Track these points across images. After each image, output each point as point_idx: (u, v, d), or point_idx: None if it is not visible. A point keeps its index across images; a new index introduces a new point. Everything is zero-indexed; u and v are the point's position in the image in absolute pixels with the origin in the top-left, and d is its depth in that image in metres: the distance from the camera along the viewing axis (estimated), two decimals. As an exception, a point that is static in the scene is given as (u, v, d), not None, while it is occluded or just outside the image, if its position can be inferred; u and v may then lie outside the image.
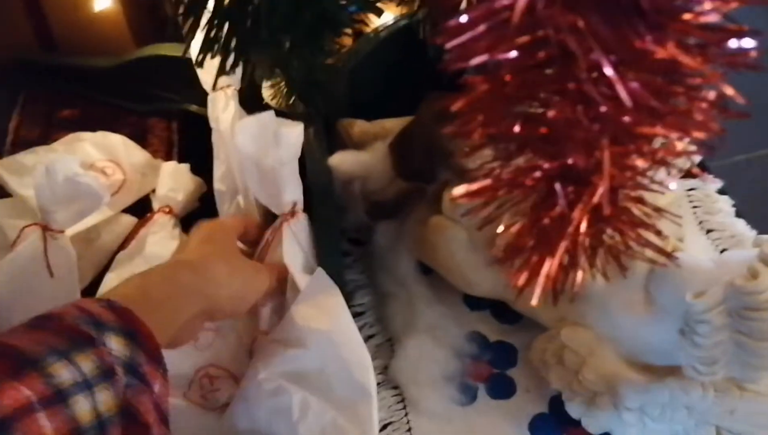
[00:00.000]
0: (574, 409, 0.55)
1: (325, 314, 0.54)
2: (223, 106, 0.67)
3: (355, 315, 0.63)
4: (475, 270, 0.59)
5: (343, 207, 0.64)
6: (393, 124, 0.67)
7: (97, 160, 0.71)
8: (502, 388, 0.59)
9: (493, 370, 0.61)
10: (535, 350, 0.58)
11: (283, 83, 0.70)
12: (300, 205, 0.59)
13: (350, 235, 0.68)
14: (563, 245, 0.21)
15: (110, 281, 0.64)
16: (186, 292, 0.47)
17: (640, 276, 0.52)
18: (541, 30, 0.18)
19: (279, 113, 0.69)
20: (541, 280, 0.22)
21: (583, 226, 0.21)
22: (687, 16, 0.18)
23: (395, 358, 0.60)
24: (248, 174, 0.60)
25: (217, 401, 0.57)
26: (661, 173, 0.21)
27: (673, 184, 0.66)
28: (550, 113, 0.19)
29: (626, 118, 0.19)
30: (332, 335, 0.53)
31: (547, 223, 0.21)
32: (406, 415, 0.58)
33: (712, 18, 0.18)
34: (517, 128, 0.21)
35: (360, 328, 0.62)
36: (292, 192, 0.59)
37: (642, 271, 0.52)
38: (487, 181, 0.22)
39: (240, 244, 0.60)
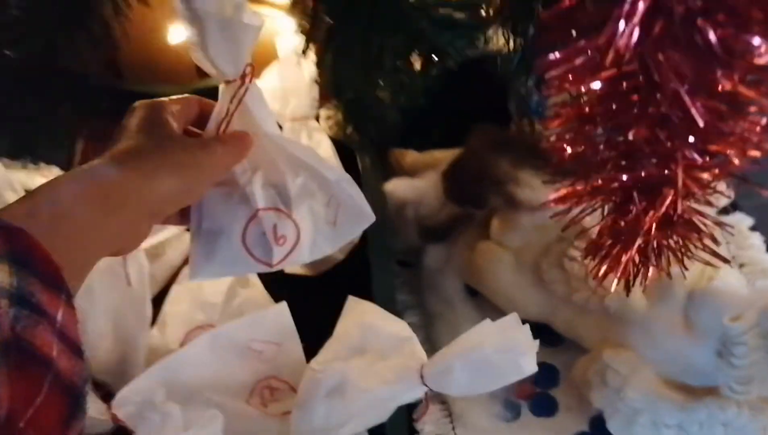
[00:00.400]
0: (615, 426, 0.58)
1: None
2: (309, 136, 0.71)
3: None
4: (521, 292, 0.63)
5: (396, 230, 0.68)
6: (443, 155, 0.71)
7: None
8: (545, 407, 0.62)
9: (536, 389, 0.64)
10: (577, 370, 0.61)
11: (339, 114, 0.75)
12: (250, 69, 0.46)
13: (400, 258, 0.72)
14: (636, 244, 0.25)
15: (175, 293, 0.68)
16: (109, 194, 0.39)
17: (680, 300, 0.55)
18: (629, 65, 0.23)
19: (336, 142, 0.75)
20: (617, 272, 0.26)
21: (653, 230, 0.25)
22: (749, 58, 0.22)
23: (443, 374, 0.63)
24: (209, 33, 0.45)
25: (278, 409, 0.61)
26: (720, 186, 0.25)
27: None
28: (631, 133, 0.24)
29: (696, 138, 0.23)
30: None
31: (623, 226, 0.25)
32: (453, 429, 0.61)
33: (770, 59, 0.22)
34: (601, 146, 0.25)
35: (408, 346, 0.66)
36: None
37: (682, 296, 0.55)
38: (574, 188, 0.26)
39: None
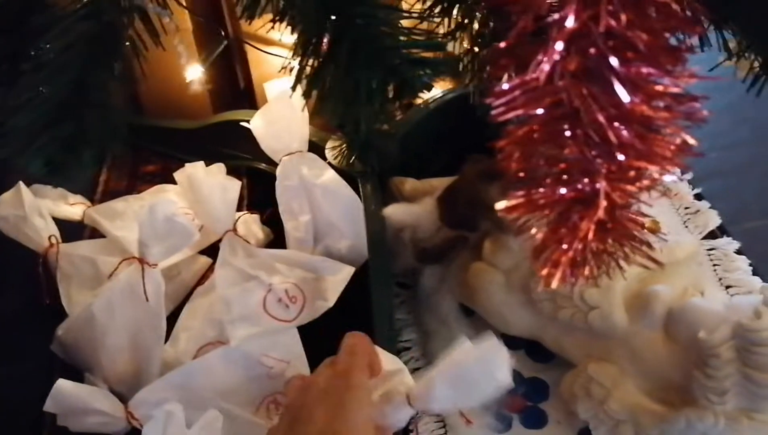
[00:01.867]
0: (599, 437, 0.61)
1: None
2: (309, 167, 0.77)
3: (402, 350, 0.71)
4: (512, 311, 0.67)
5: (394, 253, 0.72)
6: (439, 183, 0.76)
7: (179, 208, 0.82)
8: (535, 419, 0.66)
9: (527, 403, 0.67)
10: (564, 383, 0.64)
11: (344, 146, 0.80)
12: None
13: (399, 280, 0.76)
14: (575, 248, 0.29)
15: (187, 311, 0.73)
16: None
17: (659, 317, 0.59)
18: (559, 94, 0.27)
19: (339, 171, 0.80)
20: (558, 272, 0.30)
21: (590, 235, 0.29)
22: (658, 87, 0.26)
23: (438, 388, 0.67)
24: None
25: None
26: (646, 196, 0.29)
27: (693, 239, 0.72)
28: (566, 151, 0.28)
29: (619, 156, 0.27)
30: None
31: (564, 232, 0.29)
32: (447, 439, 0.65)
33: (675, 89, 0.26)
34: (542, 163, 0.29)
35: (407, 362, 0.70)
36: None
37: (661, 313, 0.59)
38: (523, 200, 0.30)
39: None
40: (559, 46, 0.25)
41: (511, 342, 0.71)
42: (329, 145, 0.81)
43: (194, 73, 0.86)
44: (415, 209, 0.71)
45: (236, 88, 0.99)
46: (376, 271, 0.70)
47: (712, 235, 0.82)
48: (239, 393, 0.66)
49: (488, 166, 0.68)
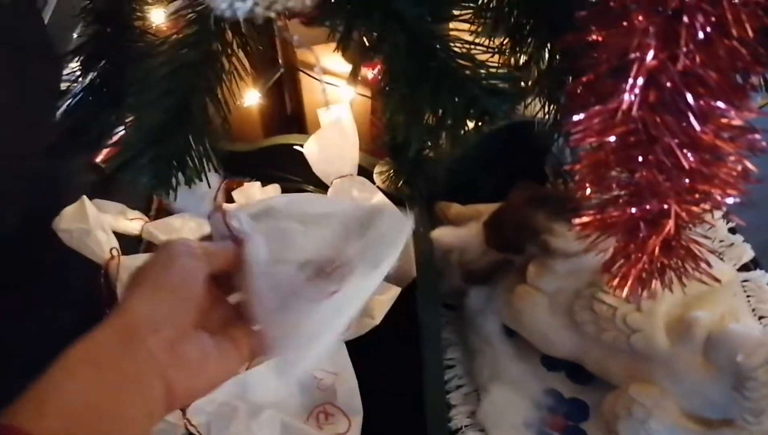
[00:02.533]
0: (640, 456, 0.63)
1: None
2: (359, 190, 0.81)
3: (446, 368, 0.74)
4: (555, 333, 0.70)
5: (441, 274, 0.76)
6: (484, 208, 0.79)
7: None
8: (576, 439, 0.68)
9: (568, 423, 0.69)
10: (606, 404, 0.67)
11: (392, 171, 0.84)
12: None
13: (444, 301, 0.79)
14: (641, 264, 0.32)
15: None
16: (121, 388, 0.37)
17: (699, 341, 0.61)
18: (633, 124, 0.31)
19: (387, 195, 0.84)
20: (627, 285, 0.33)
21: (656, 252, 0.32)
22: (725, 120, 0.30)
23: (482, 404, 0.70)
24: None
25: (332, 431, 0.68)
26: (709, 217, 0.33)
27: (731, 268, 0.75)
28: (637, 175, 0.32)
29: (686, 179, 0.31)
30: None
31: (632, 248, 0.33)
32: (490, 456, 0.67)
33: (739, 121, 0.30)
34: (613, 185, 0.33)
35: (450, 379, 0.73)
36: None
37: (701, 337, 0.61)
38: (595, 218, 0.33)
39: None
40: (640, 81, 0.29)
41: (553, 364, 0.74)
42: (377, 169, 0.85)
43: (252, 98, 0.91)
44: (462, 232, 0.74)
45: (285, 113, 1.03)
46: (424, 291, 0.73)
47: (745, 268, 0.84)
48: (290, 403, 0.69)
49: (536, 193, 0.71)
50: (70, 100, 0.68)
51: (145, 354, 0.38)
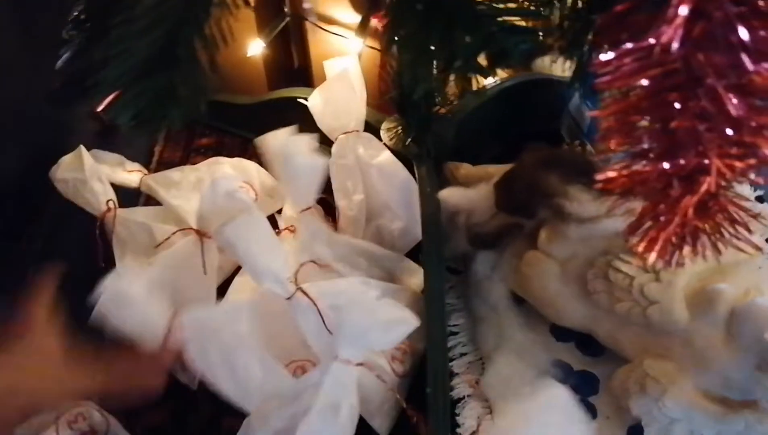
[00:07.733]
0: (652, 435, 0.60)
1: None
2: (365, 147, 0.76)
3: (450, 334, 0.71)
4: (566, 302, 0.66)
5: (447, 237, 0.72)
6: (495, 170, 0.75)
7: (233, 180, 0.82)
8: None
9: (576, 396, 0.66)
10: (617, 378, 0.63)
11: (399, 128, 0.79)
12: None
13: (449, 265, 0.76)
14: (673, 226, 0.28)
15: (238, 284, 0.73)
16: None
17: (722, 315, 0.57)
18: (671, 64, 0.26)
19: (394, 153, 0.79)
20: (655, 250, 0.29)
21: (690, 213, 0.28)
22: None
23: (486, 374, 0.66)
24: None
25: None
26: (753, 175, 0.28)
27: (757, 240, 0.71)
28: (673, 125, 0.27)
29: (731, 130, 0.26)
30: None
31: (663, 209, 0.28)
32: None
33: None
34: (644, 138, 0.29)
35: (453, 347, 0.70)
36: None
37: (724, 311, 0.57)
38: (623, 173, 0.29)
39: None
40: (683, 10, 0.24)
41: (562, 334, 0.70)
42: (385, 126, 0.81)
43: (255, 48, 0.86)
44: (471, 194, 0.70)
45: (292, 65, 0.99)
46: (429, 253, 0.69)
47: (771, 240, 0.80)
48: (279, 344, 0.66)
49: (550, 154, 0.67)
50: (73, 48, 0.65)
51: None
